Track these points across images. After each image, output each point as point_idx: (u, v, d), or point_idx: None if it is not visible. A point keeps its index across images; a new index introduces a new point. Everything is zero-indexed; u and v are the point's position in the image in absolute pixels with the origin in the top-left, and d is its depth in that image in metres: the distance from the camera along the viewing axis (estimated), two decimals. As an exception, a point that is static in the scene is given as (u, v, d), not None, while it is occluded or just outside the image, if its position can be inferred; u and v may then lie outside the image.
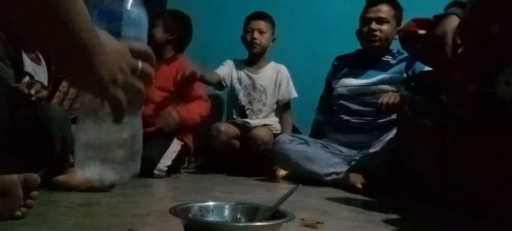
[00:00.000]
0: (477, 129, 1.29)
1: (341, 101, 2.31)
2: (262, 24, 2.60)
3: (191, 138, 2.41)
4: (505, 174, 1.16)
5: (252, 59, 2.67)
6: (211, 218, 0.86)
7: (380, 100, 1.98)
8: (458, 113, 1.26)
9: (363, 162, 2.01)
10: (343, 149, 2.23)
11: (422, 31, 1.39)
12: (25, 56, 1.52)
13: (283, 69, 2.66)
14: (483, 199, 1.27)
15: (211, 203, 0.89)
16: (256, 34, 2.58)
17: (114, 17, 0.68)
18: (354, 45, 2.36)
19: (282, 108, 2.63)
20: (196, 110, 2.34)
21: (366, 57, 2.30)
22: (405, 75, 2.18)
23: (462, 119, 1.27)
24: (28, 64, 1.53)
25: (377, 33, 2.21)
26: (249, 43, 2.61)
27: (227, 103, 2.75)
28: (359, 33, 2.32)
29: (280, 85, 2.62)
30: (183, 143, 2.28)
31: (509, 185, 1.14)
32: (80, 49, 0.50)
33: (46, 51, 0.51)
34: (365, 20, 2.26)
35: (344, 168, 2.08)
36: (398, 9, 2.27)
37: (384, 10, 2.23)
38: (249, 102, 2.59)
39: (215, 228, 0.79)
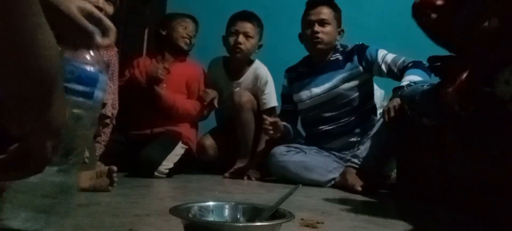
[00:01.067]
0: (477, 129, 1.29)
1: (312, 113, 2.30)
2: (249, 27, 2.36)
3: (195, 142, 2.38)
4: (505, 174, 1.16)
5: (233, 64, 2.44)
6: (211, 218, 0.86)
7: (385, 118, 1.92)
8: (458, 113, 1.26)
9: (358, 163, 2.02)
10: (336, 153, 2.23)
11: (440, 1, 1.37)
12: None
13: (263, 74, 2.42)
14: (483, 199, 1.27)
15: (211, 203, 0.89)
16: (241, 38, 2.33)
17: (89, 82, 0.69)
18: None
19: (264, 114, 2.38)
20: (184, 103, 2.30)
21: (316, 62, 2.31)
22: (361, 67, 2.19)
23: (462, 119, 1.27)
24: None
25: (320, 35, 2.22)
26: (232, 48, 2.36)
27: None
28: (302, 37, 2.33)
29: (257, 92, 2.41)
30: (187, 147, 2.26)
31: (509, 185, 1.14)
32: (44, 71, 0.44)
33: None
34: (307, 23, 2.27)
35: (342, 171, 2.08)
36: (337, 11, 2.31)
37: (325, 12, 2.25)
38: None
39: (215, 228, 0.79)
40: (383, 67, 2.11)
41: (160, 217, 1.09)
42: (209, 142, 2.38)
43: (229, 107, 2.41)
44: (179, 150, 2.19)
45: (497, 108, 1.11)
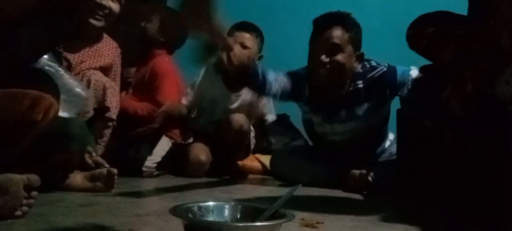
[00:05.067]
0: (477, 129, 1.29)
1: (328, 138, 2.01)
2: (246, 38, 2.23)
3: (179, 135, 2.33)
4: (505, 174, 1.16)
5: (232, 74, 2.25)
6: (211, 218, 0.86)
7: None
8: (459, 114, 1.26)
9: (374, 182, 1.84)
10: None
11: (431, 29, 1.38)
12: None
13: None
14: (483, 199, 1.27)
15: (211, 203, 0.89)
16: (237, 48, 2.15)
17: None
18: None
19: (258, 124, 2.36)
20: (135, 108, 2.20)
21: (329, 94, 1.90)
22: (389, 96, 1.88)
23: (462, 119, 1.27)
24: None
25: (330, 66, 1.81)
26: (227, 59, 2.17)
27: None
28: (309, 64, 1.92)
29: (257, 104, 2.34)
30: (173, 141, 2.24)
31: (508, 185, 1.14)
32: None
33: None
34: (314, 50, 1.86)
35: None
36: (353, 31, 1.86)
37: (337, 35, 1.81)
38: None
39: (215, 228, 0.80)
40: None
41: (160, 217, 1.09)
42: (204, 157, 2.19)
43: (221, 114, 2.31)
44: (165, 145, 2.17)
45: (497, 109, 1.11)
